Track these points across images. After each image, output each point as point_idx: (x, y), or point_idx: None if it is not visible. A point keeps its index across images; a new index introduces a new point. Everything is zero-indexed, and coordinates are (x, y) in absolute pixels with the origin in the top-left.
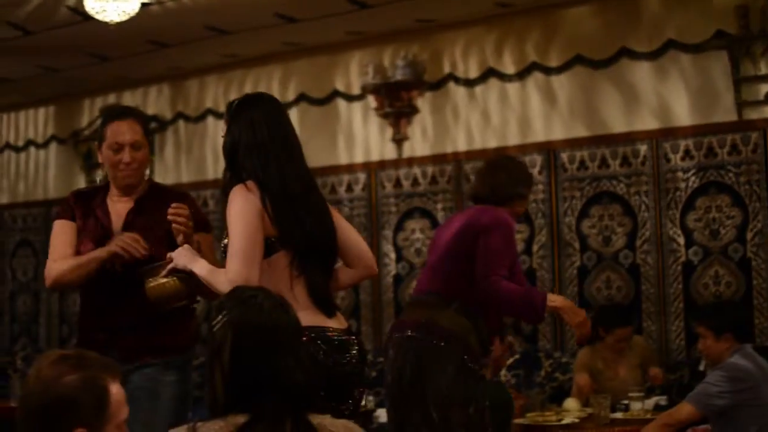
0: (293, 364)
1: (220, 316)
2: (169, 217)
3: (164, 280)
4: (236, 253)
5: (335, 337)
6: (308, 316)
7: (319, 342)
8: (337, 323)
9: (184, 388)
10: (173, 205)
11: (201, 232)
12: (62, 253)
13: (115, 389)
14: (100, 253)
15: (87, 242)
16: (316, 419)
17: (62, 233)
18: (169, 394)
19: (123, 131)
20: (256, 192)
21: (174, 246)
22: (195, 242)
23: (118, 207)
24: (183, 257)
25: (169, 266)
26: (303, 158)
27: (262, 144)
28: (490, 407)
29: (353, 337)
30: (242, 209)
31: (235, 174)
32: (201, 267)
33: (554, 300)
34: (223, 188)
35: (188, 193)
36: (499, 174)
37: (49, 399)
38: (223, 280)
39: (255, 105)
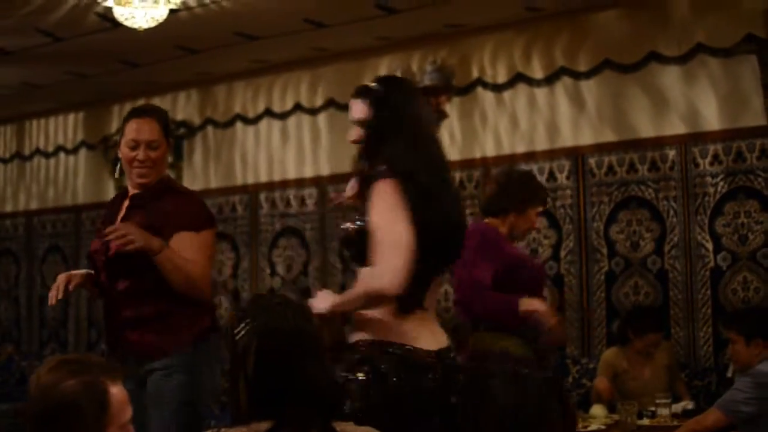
0: (317, 371)
1: (244, 324)
2: (112, 244)
3: None
4: (381, 247)
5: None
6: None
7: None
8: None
9: (191, 390)
10: (107, 230)
11: (182, 231)
12: None
13: (116, 390)
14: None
15: (95, 241)
16: (340, 426)
17: None
18: (176, 399)
19: (141, 129)
20: (402, 184)
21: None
22: (158, 244)
23: (124, 205)
24: (321, 303)
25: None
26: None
27: (408, 130)
28: None
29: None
30: (392, 202)
31: (375, 160)
32: (343, 298)
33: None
34: (364, 175)
35: (189, 192)
36: (492, 186)
37: (49, 405)
38: (368, 279)
39: (397, 89)
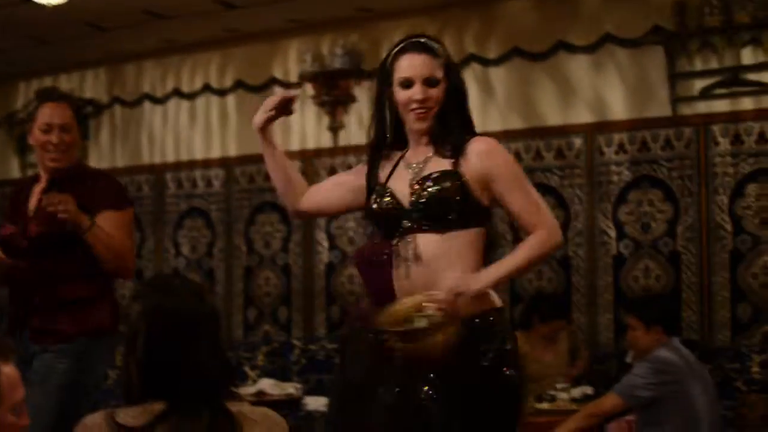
0: (210, 352)
1: (136, 303)
2: (48, 209)
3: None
4: (540, 204)
5: None
6: None
7: None
8: None
9: (76, 377)
10: (45, 198)
11: (106, 210)
12: None
13: (7, 370)
14: None
15: (7, 226)
16: (235, 407)
17: None
18: (58, 381)
19: (54, 113)
20: None
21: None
22: (87, 221)
23: (37, 189)
24: (473, 283)
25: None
26: None
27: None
28: None
29: None
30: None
31: (450, 122)
32: (499, 269)
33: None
34: (453, 139)
35: (106, 173)
36: None
37: None
38: (546, 239)
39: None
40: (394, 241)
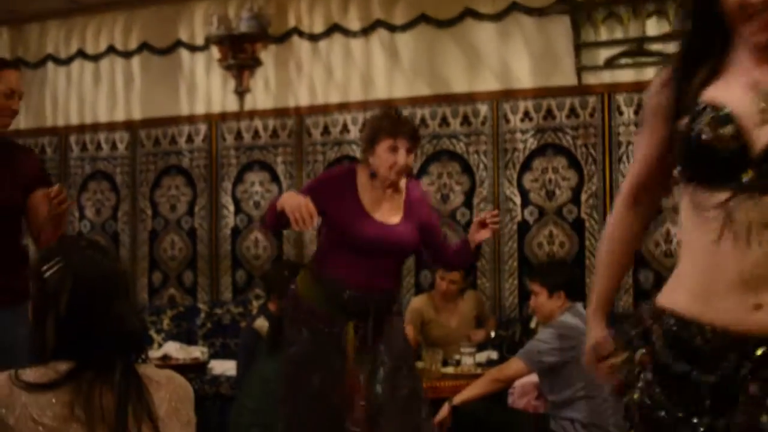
0: (126, 312)
1: (54, 263)
2: (54, 201)
3: None
4: None
5: None
6: None
7: None
8: None
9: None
10: (55, 191)
11: (41, 187)
12: None
13: None
14: None
15: None
16: (140, 368)
17: None
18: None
19: (18, 81)
20: None
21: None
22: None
23: None
24: None
25: None
26: None
27: None
28: None
29: None
30: None
31: None
32: None
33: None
34: None
35: (33, 150)
36: None
37: None
38: None
39: None
40: (723, 198)
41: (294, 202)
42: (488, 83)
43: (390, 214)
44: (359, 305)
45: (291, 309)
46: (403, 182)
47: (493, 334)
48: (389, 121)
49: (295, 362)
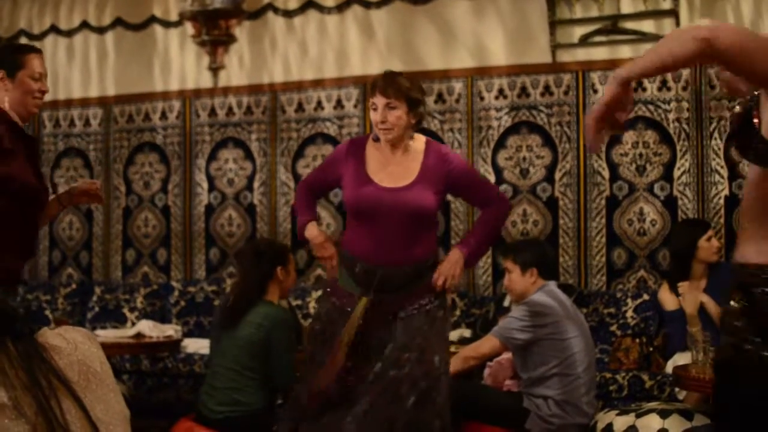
0: None
1: None
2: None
3: None
4: None
5: None
6: None
7: None
8: None
9: None
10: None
11: None
12: None
13: None
14: None
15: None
16: (38, 337)
17: None
18: None
19: (43, 65)
20: None
21: None
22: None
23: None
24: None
25: None
26: None
27: None
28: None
29: None
30: None
31: None
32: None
33: (310, 231)
34: None
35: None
36: None
37: None
38: None
39: None
40: None
41: (315, 245)
42: (463, 60)
43: (398, 178)
44: (370, 279)
45: (323, 286)
46: (421, 143)
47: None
48: (373, 81)
49: (312, 338)
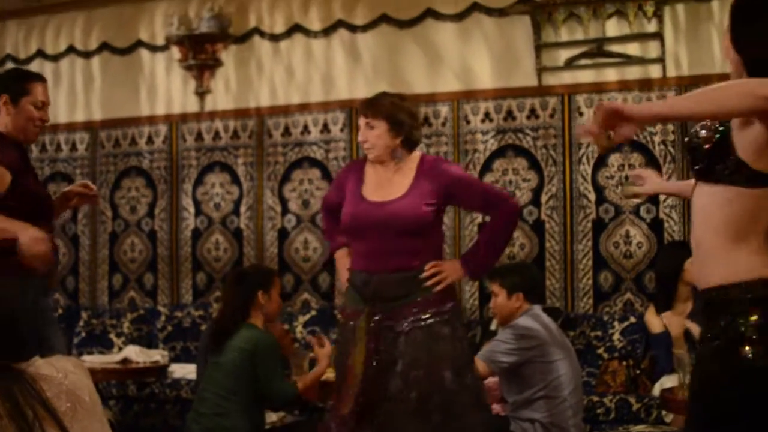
0: None
1: None
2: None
3: None
4: None
5: None
6: None
7: None
8: None
9: None
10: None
11: None
12: None
13: None
14: None
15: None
16: (25, 366)
17: None
18: None
19: (46, 94)
20: None
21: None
22: None
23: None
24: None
25: None
26: None
27: None
28: None
29: None
30: None
31: None
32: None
33: (339, 263)
34: None
35: None
36: None
37: None
38: None
39: None
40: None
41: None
42: (449, 84)
43: (389, 193)
44: (368, 289)
45: (339, 310)
46: (416, 159)
47: None
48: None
49: (336, 367)
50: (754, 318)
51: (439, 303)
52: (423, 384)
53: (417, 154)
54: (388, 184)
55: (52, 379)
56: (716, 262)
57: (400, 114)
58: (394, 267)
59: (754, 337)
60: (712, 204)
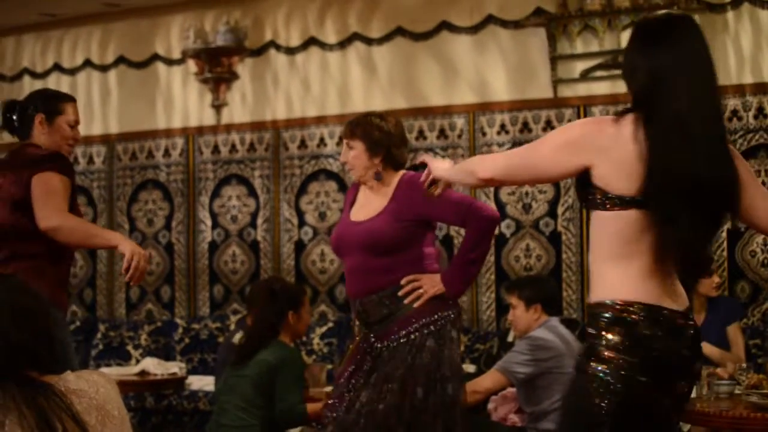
0: (6, 324)
1: None
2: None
3: None
4: None
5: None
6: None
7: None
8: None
9: None
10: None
11: None
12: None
13: None
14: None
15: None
16: (55, 379)
17: None
18: None
19: (76, 112)
20: None
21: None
22: None
23: None
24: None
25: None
26: None
27: None
28: None
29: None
30: None
31: None
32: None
33: None
34: None
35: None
36: None
37: None
38: None
39: None
40: None
41: None
42: (465, 96)
43: (370, 212)
44: (360, 317)
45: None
46: (397, 178)
47: None
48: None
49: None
50: (610, 336)
51: (427, 314)
52: (394, 397)
53: (400, 173)
54: (369, 205)
55: (83, 393)
56: (592, 280)
57: (376, 133)
58: (373, 286)
59: (605, 354)
60: (592, 227)
